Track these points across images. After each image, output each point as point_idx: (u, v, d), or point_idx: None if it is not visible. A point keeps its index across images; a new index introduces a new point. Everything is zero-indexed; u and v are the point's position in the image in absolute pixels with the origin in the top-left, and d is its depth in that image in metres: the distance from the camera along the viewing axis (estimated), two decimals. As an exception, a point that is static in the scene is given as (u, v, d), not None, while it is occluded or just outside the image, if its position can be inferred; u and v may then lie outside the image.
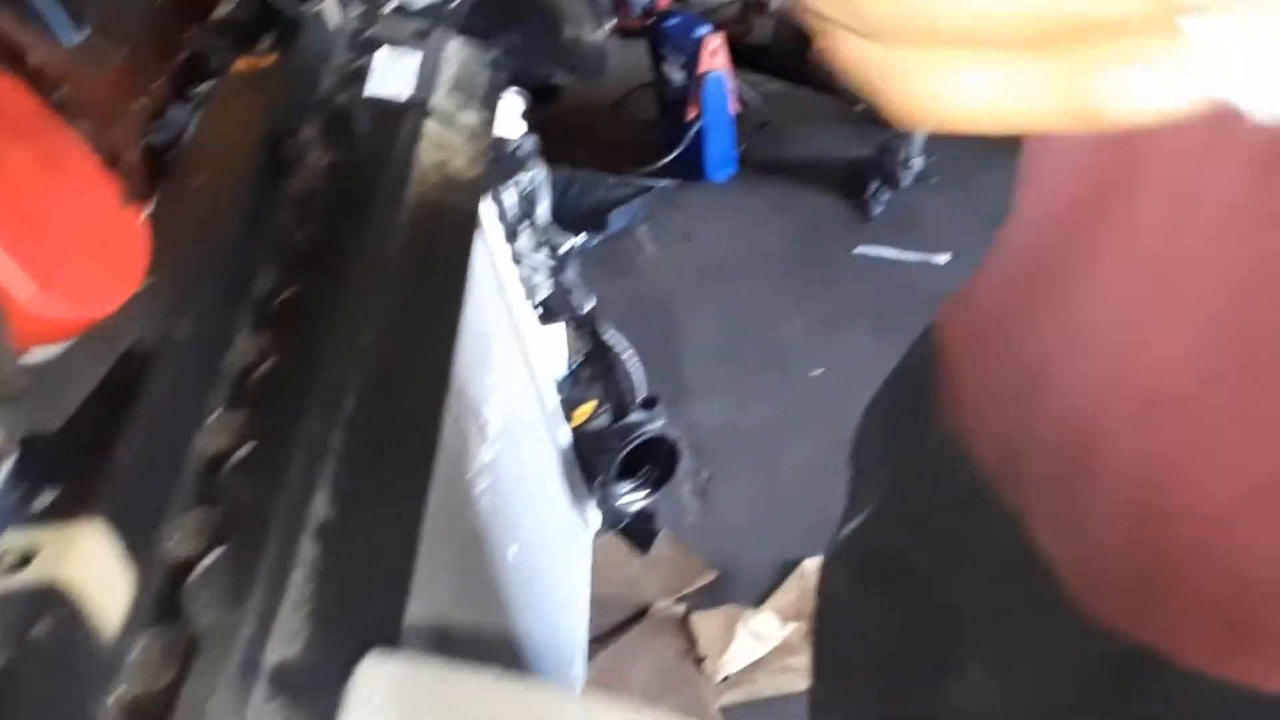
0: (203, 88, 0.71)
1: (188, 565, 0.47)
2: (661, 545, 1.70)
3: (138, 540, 0.44)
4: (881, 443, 0.67)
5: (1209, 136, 0.39)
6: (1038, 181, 0.53)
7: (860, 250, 2.37)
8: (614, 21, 0.95)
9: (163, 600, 0.46)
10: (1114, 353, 0.46)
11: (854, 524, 0.66)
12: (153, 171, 0.62)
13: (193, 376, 0.53)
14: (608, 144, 2.74)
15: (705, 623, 1.70)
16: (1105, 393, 0.47)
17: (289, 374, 0.56)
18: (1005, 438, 0.54)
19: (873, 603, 0.65)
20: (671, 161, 2.59)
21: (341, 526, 0.53)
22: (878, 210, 2.46)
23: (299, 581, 0.50)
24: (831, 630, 0.74)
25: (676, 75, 2.56)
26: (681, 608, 1.72)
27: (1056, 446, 0.50)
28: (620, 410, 1.04)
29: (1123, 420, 0.46)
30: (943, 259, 2.27)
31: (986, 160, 2.32)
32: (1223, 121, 0.39)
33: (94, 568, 0.41)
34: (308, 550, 0.51)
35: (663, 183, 2.59)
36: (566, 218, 2.52)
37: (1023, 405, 0.52)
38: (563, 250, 1.12)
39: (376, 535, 0.56)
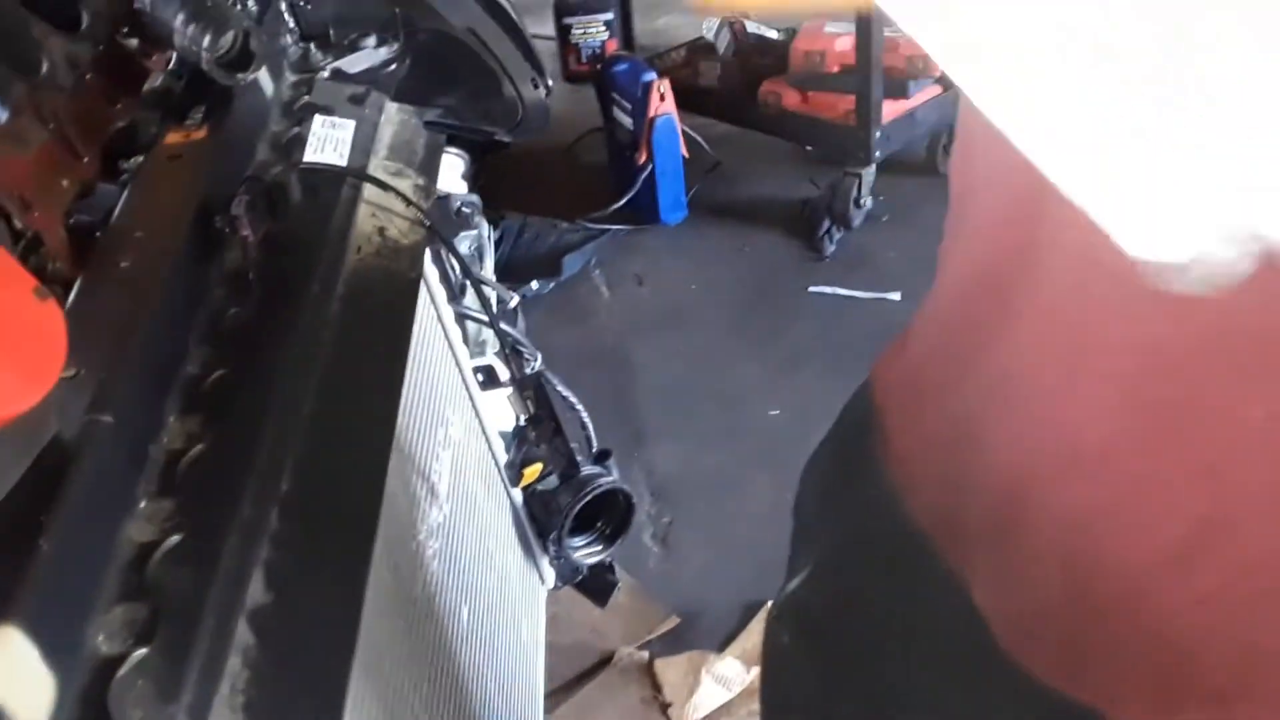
0: (132, 163, 0.70)
1: (115, 663, 0.46)
2: (623, 592, 1.69)
3: (59, 642, 0.43)
4: (821, 498, 0.67)
5: None
6: (959, 240, 0.53)
7: (814, 290, 2.39)
8: (550, 85, 0.96)
9: (88, 702, 0.45)
10: (1039, 408, 0.46)
11: (795, 583, 0.66)
12: (79, 253, 0.61)
13: (118, 467, 0.51)
14: (559, 189, 2.76)
15: (669, 669, 1.68)
16: (1033, 448, 0.47)
17: (221, 457, 0.55)
18: (941, 492, 0.54)
19: (814, 663, 0.64)
20: (623, 206, 2.60)
21: (278, 611, 0.52)
22: (830, 250, 2.48)
23: (233, 671, 0.49)
24: (777, 687, 0.74)
25: (626, 120, 2.58)
26: (645, 654, 1.71)
27: (990, 502, 0.50)
28: (570, 468, 1.03)
29: (1050, 476, 0.46)
30: (896, 296, 2.29)
31: (936, 198, 2.35)
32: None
33: (11, 674, 0.40)
34: (242, 637, 0.50)
35: (615, 227, 2.61)
36: (520, 264, 2.53)
37: (957, 459, 0.52)
38: (510, 305, 1.12)
39: (315, 617, 0.55)
